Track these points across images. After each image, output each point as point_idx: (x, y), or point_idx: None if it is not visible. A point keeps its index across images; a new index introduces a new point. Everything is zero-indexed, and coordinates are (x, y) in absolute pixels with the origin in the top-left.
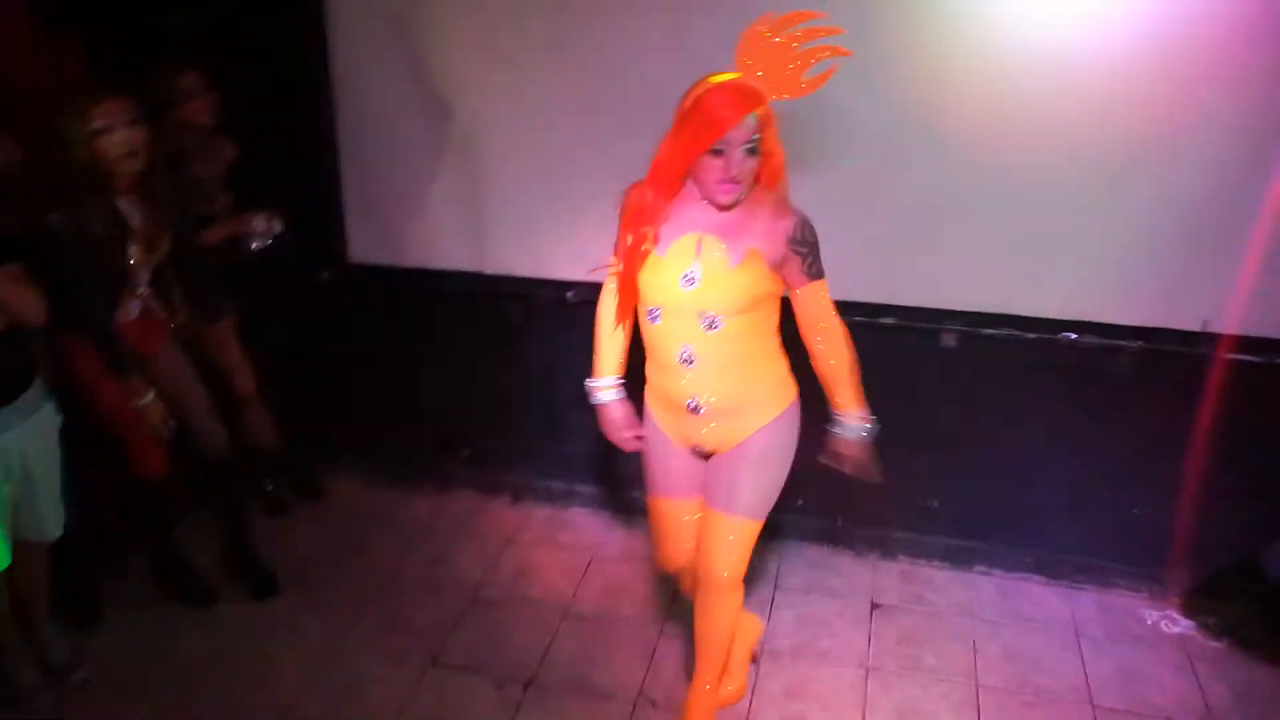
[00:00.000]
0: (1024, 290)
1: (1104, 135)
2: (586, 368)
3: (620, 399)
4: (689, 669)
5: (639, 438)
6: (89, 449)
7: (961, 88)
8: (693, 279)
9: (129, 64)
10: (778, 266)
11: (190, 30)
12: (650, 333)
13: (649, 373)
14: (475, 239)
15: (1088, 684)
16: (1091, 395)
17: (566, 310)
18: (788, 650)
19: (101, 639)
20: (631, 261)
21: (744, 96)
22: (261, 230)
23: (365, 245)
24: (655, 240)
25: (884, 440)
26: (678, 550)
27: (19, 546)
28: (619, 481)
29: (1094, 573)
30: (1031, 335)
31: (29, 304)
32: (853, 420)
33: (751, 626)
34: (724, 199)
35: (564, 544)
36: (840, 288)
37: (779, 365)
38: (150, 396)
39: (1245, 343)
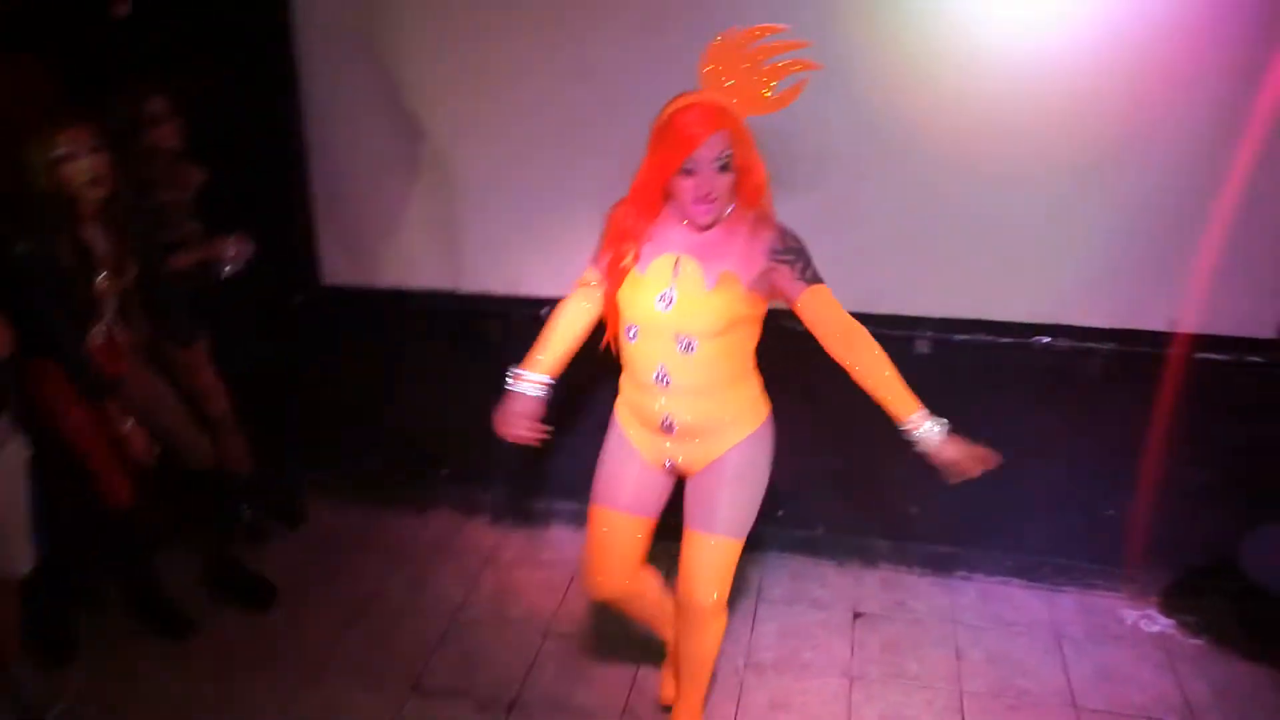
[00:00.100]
0: (996, 295)
1: (1070, 139)
2: (561, 383)
3: (539, 397)
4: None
5: (544, 434)
6: (59, 479)
7: (927, 96)
8: (669, 300)
9: (94, 90)
10: (760, 285)
11: (156, 55)
12: (628, 350)
13: (623, 386)
14: (450, 258)
15: (1070, 685)
16: (1065, 397)
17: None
18: (771, 663)
19: (77, 675)
20: (612, 278)
21: (712, 114)
22: (232, 255)
23: (338, 267)
24: (636, 258)
25: (861, 449)
26: (606, 575)
27: None
28: None
29: (1073, 574)
30: (1005, 340)
31: None
32: (927, 420)
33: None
34: (701, 219)
35: (544, 562)
36: None
37: (752, 386)
38: (130, 424)
39: (1211, 341)
